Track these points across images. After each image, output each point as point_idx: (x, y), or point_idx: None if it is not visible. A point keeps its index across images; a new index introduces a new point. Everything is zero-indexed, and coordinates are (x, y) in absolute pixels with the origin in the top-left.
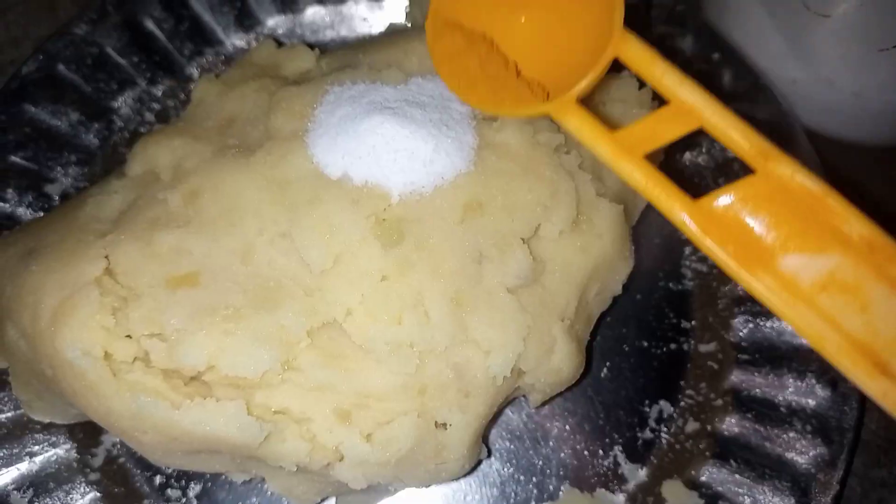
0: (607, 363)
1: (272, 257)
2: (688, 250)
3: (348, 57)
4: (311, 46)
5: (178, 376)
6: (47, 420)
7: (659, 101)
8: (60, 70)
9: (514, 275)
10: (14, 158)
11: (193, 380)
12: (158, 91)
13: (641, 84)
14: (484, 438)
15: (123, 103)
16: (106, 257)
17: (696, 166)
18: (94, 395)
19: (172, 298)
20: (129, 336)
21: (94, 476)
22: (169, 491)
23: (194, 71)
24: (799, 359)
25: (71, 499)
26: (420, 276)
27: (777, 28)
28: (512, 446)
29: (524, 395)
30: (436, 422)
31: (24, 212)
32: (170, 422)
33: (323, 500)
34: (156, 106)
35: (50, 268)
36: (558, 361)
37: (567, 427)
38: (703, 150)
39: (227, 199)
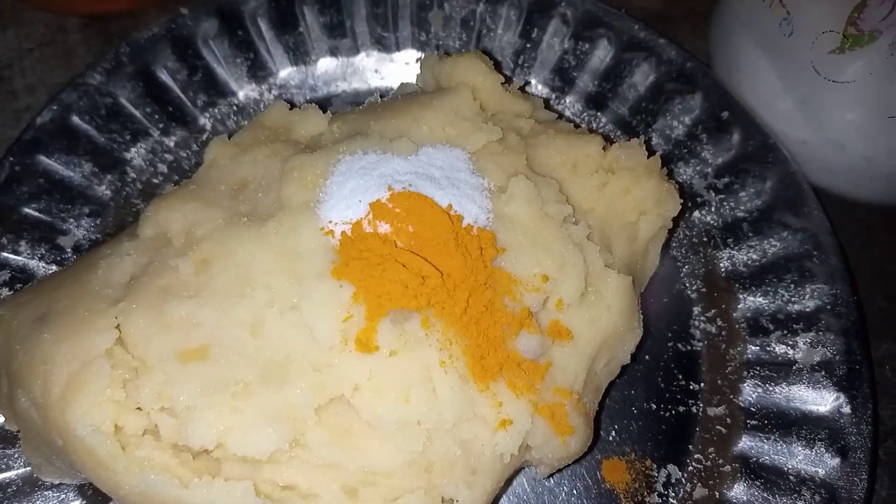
0: (615, 426)
1: (281, 330)
2: (696, 310)
3: (359, 122)
4: (319, 104)
5: (187, 450)
6: (57, 482)
7: (668, 169)
8: (74, 120)
9: (523, 349)
10: (27, 210)
11: (203, 453)
12: (171, 142)
13: (650, 151)
14: None
15: (136, 154)
16: (117, 327)
17: (705, 225)
18: (104, 470)
19: (183, 373)
20: (139, 408)
21: None
22: None
23: (207, 122)
24: (808, 426)
25: None
26: (428, 352)
27: (787, 90)
28: None
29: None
30: (443, 498)
31: (36, 264)
32: (178, 500)
33: None
34: (168, 157)
35: (61, 337)
36: (567, 437)
37: (574, 491)
38: (713, 209)
39: (238, 268)
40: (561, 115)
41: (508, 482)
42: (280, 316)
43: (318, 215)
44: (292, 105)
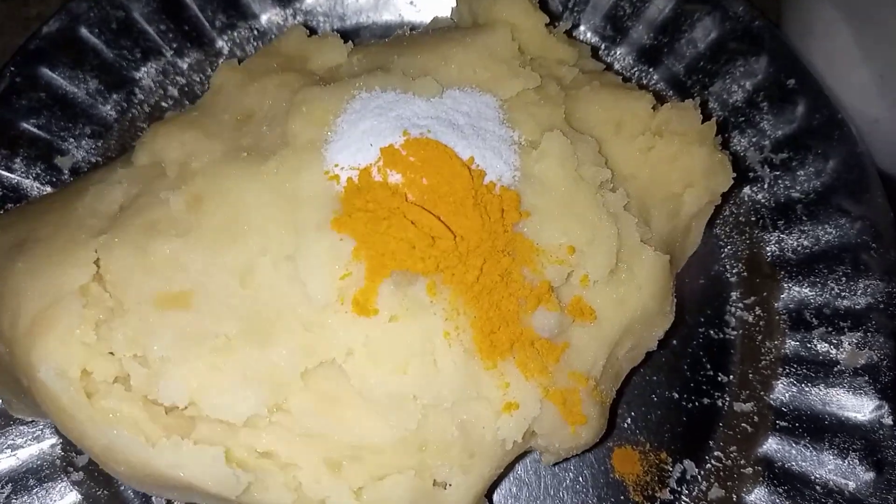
0: (632, 412)
1: (273, 282)
2: (734, 295)
3: (382, 56)
4: (346, 36)
5: (159, 405)
6: (29, 419)
7: (722, 137)
8: (83, 33)
9: (538, 326)
10: (26, 126)
11: (175, 409)
12: (184, 64)
13: (706, 116)
14: (488, 495)
15: (146, 74)
16: (96, 262)
17: (754, 203)
18: (68, 418)
19: (160, 319)
20: (111, 353)
21: (77, 476)
22: (154, 499)
23: (224, 45)
24: (843, 433)
25: (50, 498)
26: (432, 321)
27: (865, 60)
28: (519, 493)
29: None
30: (434, 480)
31: (30, 184)
32: (144, 460)
33: None
34: (180, 80)
35: (36, 267)
36: (577, 426)
37: (580, 479)
38: (765, 186)
39: (232, 209)
40: (609, 67)
41: (509, 467)
42: (273, 266)
43: (325, 157)
44: (313, 32)
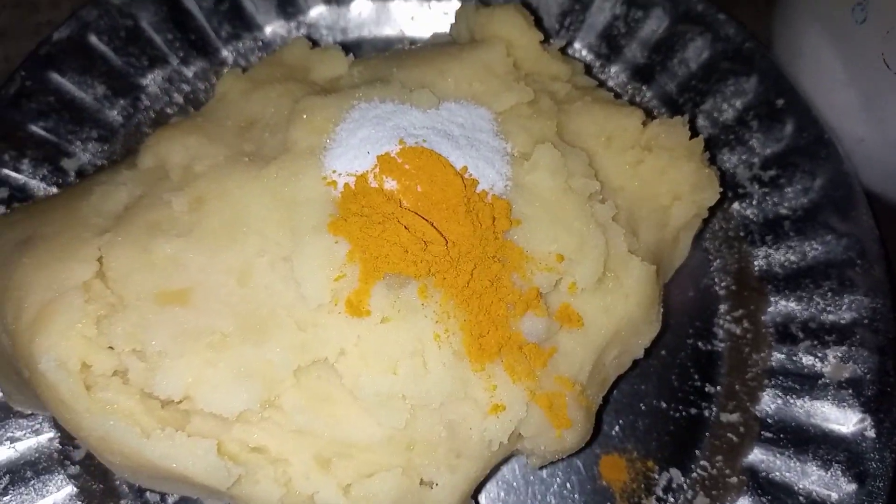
0: (620, 420)
1: (269, 282)
2: (723, 308)
3: (382, 68)
4: (347, 48)
5: (155, 398)
6: (28, 412)
7: (713, 154)
8: (92, 40)
9: (527, 331)
10: (34, 128)
11: (171, 404)
12: (190, 72)
13: (693, 133)
14: (474, 496)
15: (152, 81)
16: (99, 259)
17: (743, 219)
18: (66, 409)
19: (159, 316)
20: (111, 347)
21: (73, 469)
22: (148, 494)
23: (229, 55)
24: (827, 445)
25: (47, 490)
26: (423, 323)
27: (851, 82)
28: (505, 496)
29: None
30: (421, 479)
31: (37, 185)
32: (138, 450)
33: None
34: (185, 87)
35: (41, 263)
36: (563, 430)
37: (568, 485)
38: (754, 202)
39: (233, 211)
40: (602, 84)
41: (496, 469)
42: (270, 267)
43: (323, 163)
44: (315, 44)
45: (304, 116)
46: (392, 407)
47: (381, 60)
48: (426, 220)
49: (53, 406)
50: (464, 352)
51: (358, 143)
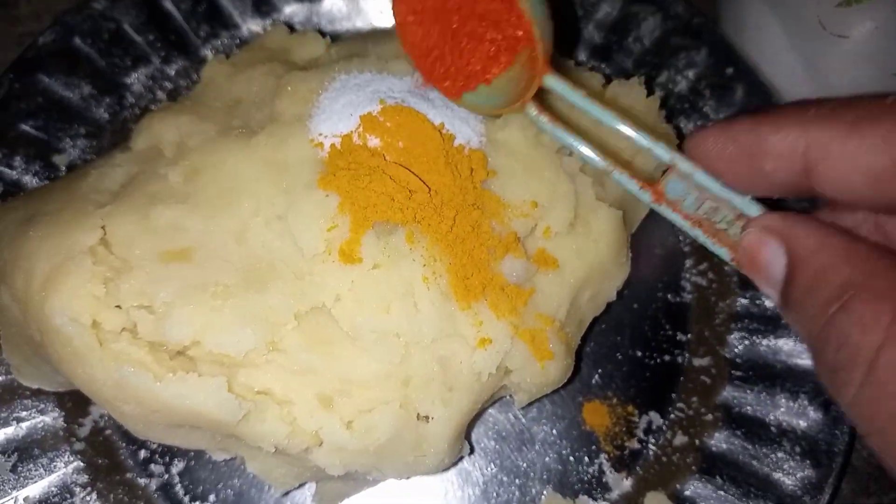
0: (599, 370)
1: (266, 239)
2: (689, 263)
3: (358, 46)
4: (324, 35)
5: (163, 350)
6: (35, 386)
7: (667, 110)
8: (76, 43)
9: (507, 273)
10: (24, 127)
11: (179, 354)
12: (171, 70)
13: (650, 91)
14: (467, 435)
15: (136, 80)
16: (102, 228)
17: None
18: (79, 362)
19: (164, 272)
20: (118, 307)
21: (79, 446)
22: (152, 466)
23: (208, 53)
24: (793, 379)
25: (55, 466)
26: (411, 267)
27: (793, 47)
28: (497, 447)
29: (510, 395)
30: (418, 413)
31: (30, 180)
32: (151, 393)
33: (301, 484)
34: (168, 85)
35: (46, 234)
36: (546, 362)
37: (554, 431)
38: None
39: (227, 178)
40: None
41: (483, 410)
42: (265, 225)
43: (309, 128)
44: (292, 30)
45: (289, 88)
46: (387, 344)
47: (356, 40)
48: (410, 171)
49: (66, 362)
50: (450, 292)
51: (341, 108)
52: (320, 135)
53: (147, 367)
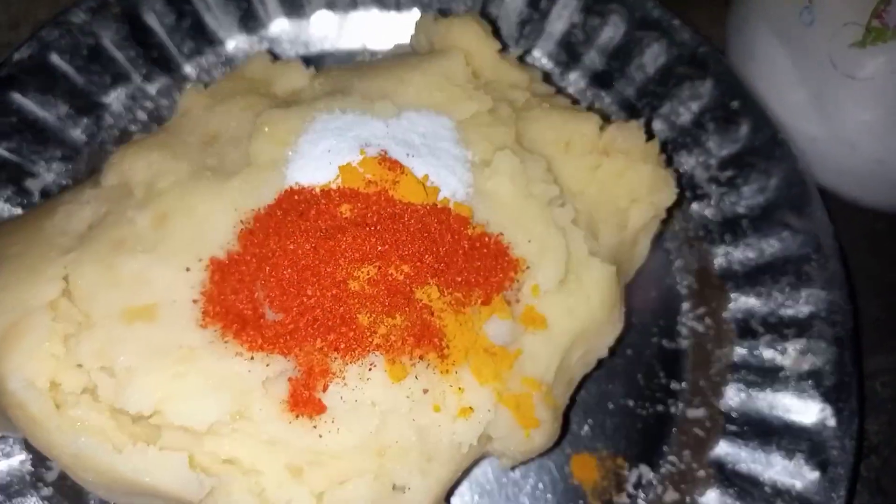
0: (589, 420)
1: None
2: (685, 306)
3: (342, 79)
4: (309, 62)
5: (125, 414)
6: (0, 434)
7: (671, 157)
8: (53, 59)
9: (492, 335)
10: None
11: (142, 419)
12: (153, 89)
13: (650, 136)
14: (447, 497)
15: (115, 99)
16: (65, 278)
17: (702, 219)
18: (37, 427)
19: (126, 332)
20: (79, 365)
21: (46, 491)
22: None
23: (191, 71)
24: (790, 436)
25: None
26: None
27: (802, 83)
28: (480, 500)
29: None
30: (394, 484)
31: (1, 206)
32: (110, 466)
33: None
34: (149, 105)
35: (6, 284)
36: (532, 430)
37: (540, 485)
38: (712, 202)
39: (197, 226)
40: (561, 91)
41: (467, 471)
42: None
43: (286, 175)
44: (276, 58)
45: (266, 129)
46: (361, 413)
47: (341, 72)
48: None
49: (24, 425)
50: (431, 356)
51: (320, 155)
52: (297, 184)
53: (106, 436)
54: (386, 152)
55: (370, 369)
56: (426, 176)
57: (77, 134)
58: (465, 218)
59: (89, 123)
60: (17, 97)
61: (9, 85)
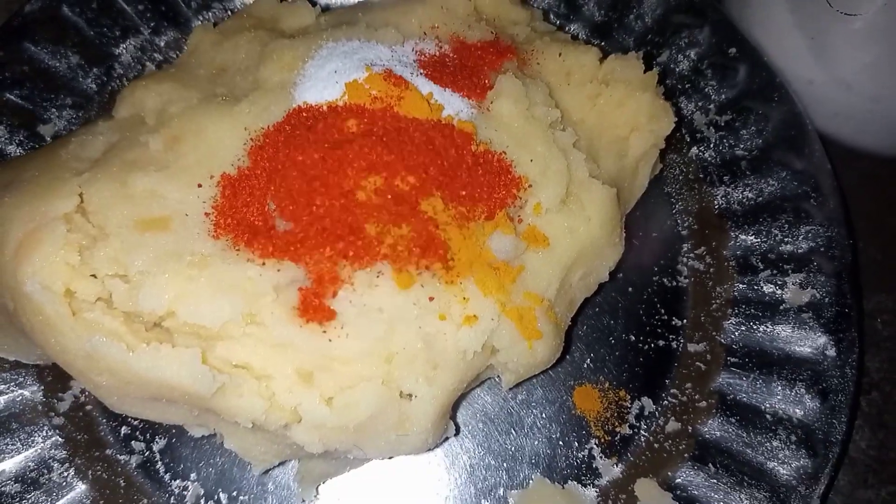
0: (591, 354)
1: None
2: (686, 247)
3: (347, 15)
4: (314, 5)
5: (139, 320)
6: (12, 358)
7: (664, 85)
8: (64, 11)
9: (496, 249)
10: (9, 96)
11: (155, 326)
12: (161, 41)
13: (647, 66)
14: (453, 415)
15: (125, 50)
16: (79, 195)
17: (702, 161)
18: (51, 330)
19: (140, 240)
20: (93, 276)
21: (58, 420)
22: (133, 443)
23: (199, 24)
24: (790, 366)
25: (32, 440)
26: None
27: (798, 25)
28: (485, 429)
29: (498, 376)
30: (401, 391)
31: (13, 150)
32: (124, 364)
33: (282, 463)
34: (157, 56)
35: (22, 201)
36: (534, 342)
37: (543, 415)
38: (711, 145)
39: (208, 146)
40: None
41: (469, 390)
42: None
43: (294, 96)
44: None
45: (274, 56)
46: (370, 318)
47: (346, 9)
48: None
49: (38, 331)
50: (436, 267)
51: (326, 76)
52: (304, 103)
53: (120, 338)
54: (391, 71)
55: (378, 276)
56: (430, 94)
57: (87, 83)
58: (468, 134)
59: (100, 73)
60: (29, 46)
61: (21, 35)
